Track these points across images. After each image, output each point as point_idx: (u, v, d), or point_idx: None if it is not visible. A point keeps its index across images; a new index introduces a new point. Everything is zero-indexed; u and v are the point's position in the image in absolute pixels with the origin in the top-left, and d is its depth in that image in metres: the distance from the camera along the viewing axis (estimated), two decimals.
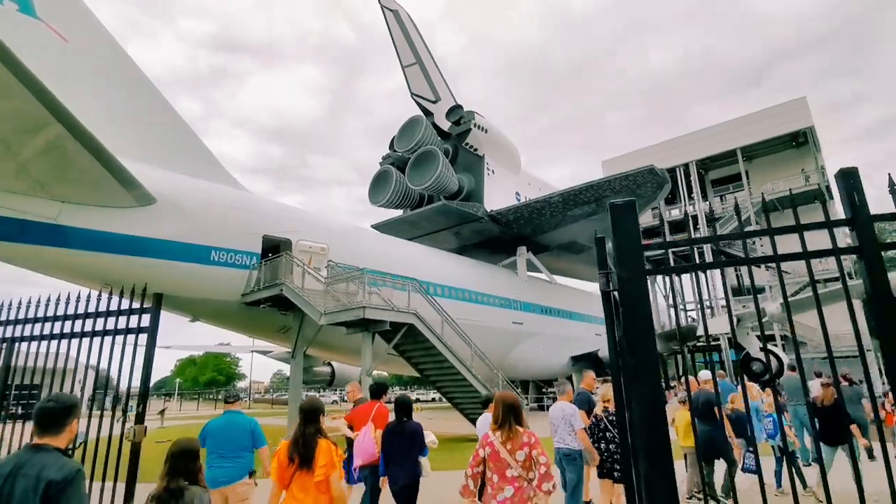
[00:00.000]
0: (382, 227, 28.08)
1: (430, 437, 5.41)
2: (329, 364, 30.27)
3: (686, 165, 39.54)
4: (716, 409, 6.34)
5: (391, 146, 30.46)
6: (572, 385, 8.26)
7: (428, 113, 29.34)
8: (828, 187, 36.01)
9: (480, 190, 28.13)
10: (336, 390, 74.67)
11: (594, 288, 43.97)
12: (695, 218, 40.08)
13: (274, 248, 17.26)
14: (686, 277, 47.54)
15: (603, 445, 5.96)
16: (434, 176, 25.60)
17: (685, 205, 41.13)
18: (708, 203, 40.81)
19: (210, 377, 78.17)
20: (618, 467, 5.67)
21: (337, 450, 3.61)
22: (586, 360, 31.82)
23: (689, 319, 47.18)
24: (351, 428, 6.46)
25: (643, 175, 24.31)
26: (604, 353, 30.03)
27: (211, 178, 17.33)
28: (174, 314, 17.64)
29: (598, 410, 6.30)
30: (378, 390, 6.67)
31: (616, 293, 2.80)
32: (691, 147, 39.69)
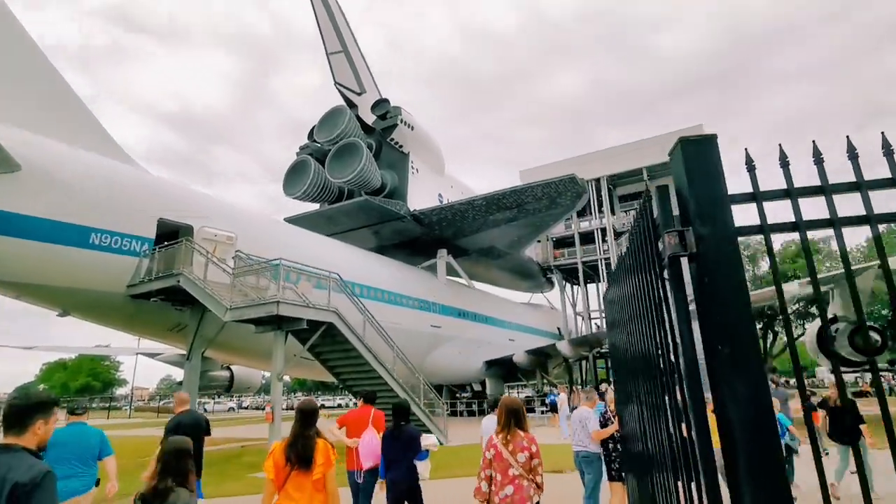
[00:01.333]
0: (297, 221, 26.18)
1: (430, 440, 5.45)
2: (228, 368, 27.61)
3: (598, 180, 41.49)
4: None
5: (310, 136, 28.67)
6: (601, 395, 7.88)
7: (352, 105, 28.01)
8: None
9: (404, 188, 27.25)
10: (234, 396, 69.52)
11: (509, 294, 44.74)
12: (603, 230, 42.26)
13: (171, 235, 15.11)
14: (592, 287, 50.03)
15: (611, 446, 6.00)
16: (357, 169, 24.31)
17: (595, 217, 43.18)
18: (615, 217, 43.06)
19: (83, 383, 69.18)
20: (615, 466, 5.90)
21: (333, 450, 3.67)
22: (501, 366, 32.00)
23: (595, 327, 49.56)
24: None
25: (565, 183, 24.85)
26: (518, 358, 30.32)
27: (98, 151, 14.84)
28: (40, 307, 14.84)
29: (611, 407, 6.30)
30: (371, 396, 7.11)
31: (685, 259, 2.06)
32: (602, 164, 41.73)
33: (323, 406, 62.16)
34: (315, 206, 28.22)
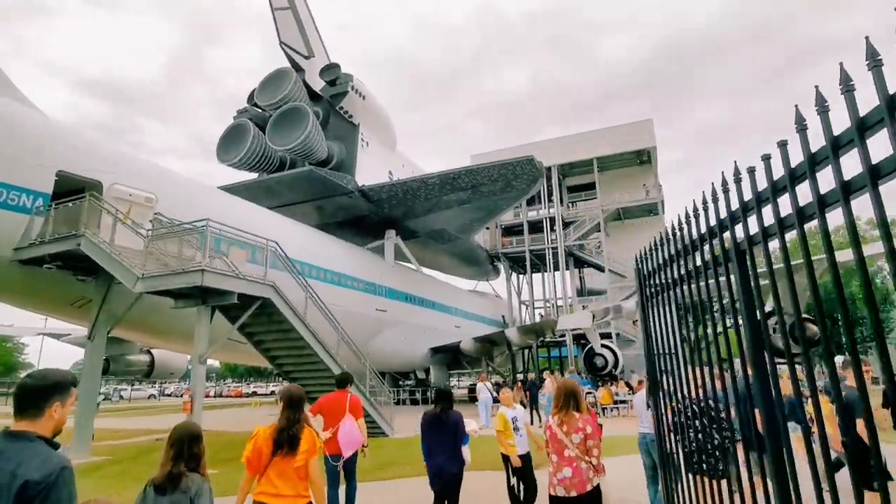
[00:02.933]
0: (233, 191, 23.70)
1: (472, 426, 5.63)
2: (148, 351, 24.87)
3: (548, 169, 41.17)
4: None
5: (250, 99, 26.12)
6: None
7: (298, 69, 25.69)
8: (662, 202, 40.31)
9: (352, 162, 25.40)
10: (155, 383, 64.61)
11: (457, 281, 43.83)
12: (552, 220, 42.15)
13: (75, 192, 12.72)
14: (537, 277, 50.13)
15: (691, 435, 5.06)
16: (301, 137, 22.21)
17: (546, 206, 42.97)
18: (564, 207, 43.04)
19: None
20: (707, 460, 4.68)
21: (318, 436, 3.67)
22: (446, 353, 31.03)
23: (539, 316, 49.77)
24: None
25: (522, 165, 23.96)
26: (465, 345, 29.45)
27: None
28: None
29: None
30: (344, 380, 6.67)
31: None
32: (553, 153, 41.37)
33: (255, 393, 59.01)
34: (253, 177, 25.78)
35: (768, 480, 2.67)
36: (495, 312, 44.77)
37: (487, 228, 43.31)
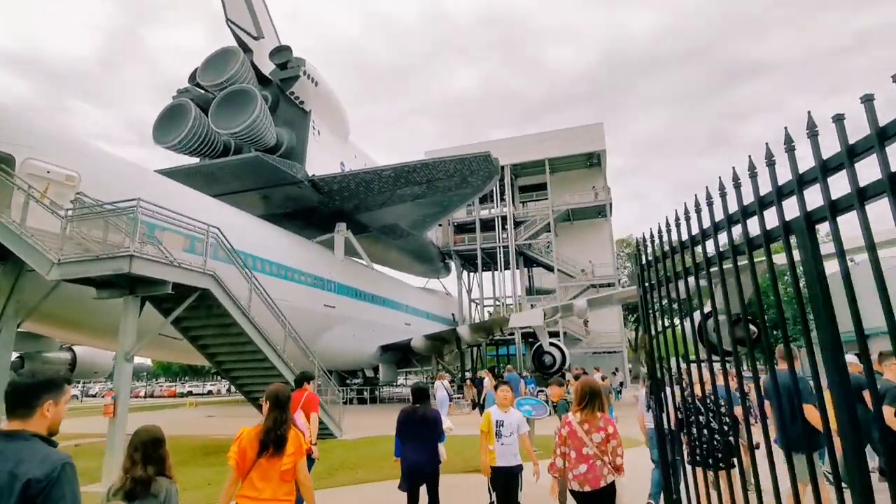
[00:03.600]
0: (171, 175, 22.00)
1: (447, 423, 5.71)
2: (70, 348, 22.68)
3: (501, 168, 41.31)
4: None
5: (192, 79, 24.39)
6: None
7: (246, 49, 24.24)
8: (610, 204, 41.37)
9: (302, 150, 24.24)
10: (79, 383, 59.81)
11: (407, 278, 43.16)
12: (503, 219, 42.33)
13: None
14: (487, 276, 50.32)
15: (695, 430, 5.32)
16: (248, 121, 20.89)
17: (498, 205, 43.09)
18: (515, 206, 43.32)
19: None
20: (718, 454, 4.85)
21: (304, 438, 3.57)
22: (396, 351, 30.38)
23: (488, 315, 49.92)
24: None
25: (479, 161, 23.70)
26: (416, 343, 28.91)
27: None
28: None
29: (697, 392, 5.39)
30: (302, 378, 6.65)
31: None
32: (506, 152, 41.52)
33: (190, 393, 55.87)
34: (194, 161, 24.08)
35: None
36: (445, 310, 44.51)
37: (440, 225, 42.96)
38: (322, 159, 25.38)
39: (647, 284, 4.03)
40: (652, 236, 3.71)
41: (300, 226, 26.98)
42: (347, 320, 25.67)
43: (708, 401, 4.70)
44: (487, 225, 43.26)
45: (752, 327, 17.69)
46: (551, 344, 27.98)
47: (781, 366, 4.87)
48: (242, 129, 21.18)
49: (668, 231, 3.29)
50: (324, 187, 24.31)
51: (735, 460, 3.84)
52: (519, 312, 34.01)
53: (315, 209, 26.37)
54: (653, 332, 4.02)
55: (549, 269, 42.21)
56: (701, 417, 5.00)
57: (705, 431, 4.77)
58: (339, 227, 27.42)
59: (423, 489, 5.14)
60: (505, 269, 42.66)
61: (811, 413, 4.29)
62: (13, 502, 1.75)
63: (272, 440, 3.35)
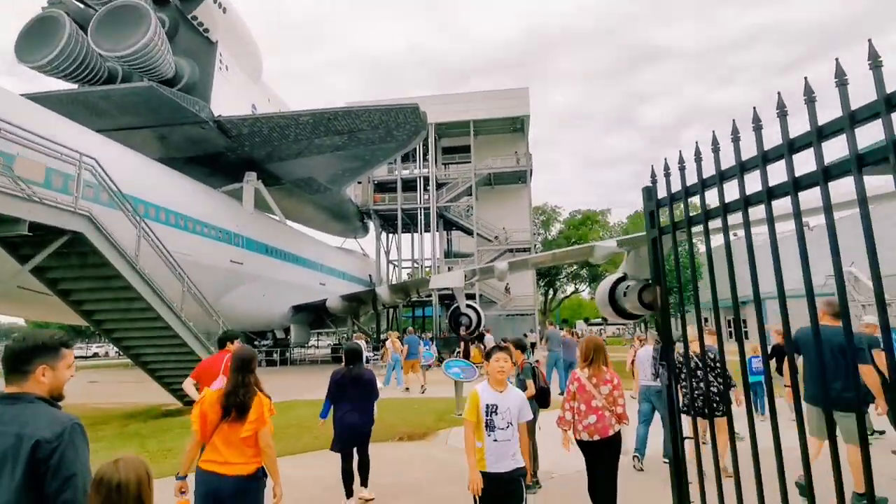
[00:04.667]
0: (42, 101, 18.45)
1: (379, 382, 5.56)
2: None
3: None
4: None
5: None
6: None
7: None
8: (531, 171, 41.81)
9: (206, 86, 21.42)
10: None
11: (323, 237, 41.13)
12: (426, 179, 41.38)
13: None
14: (405, 238, 49.51)
15: (694, 383, 5.58)
16: (139, 43, 17.85)
17: (420, 165, 41.92)
18: (437, 168, 42.45)
19: None
20: (712, 405, 5.25)
21: (270, 404, 3.35)
22: (310, 311, 28.93)
23: (407, 276, 49.36)
24: (196, 387, 5.59)
25: (405, 113, 22.37)
26: (332, 303, 27.65)
27: None
28: None
29: (694, 349, 5.80)
30: (227, 338, 5.77)
31: None
32: (430, 110, 40.23)
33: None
34: (71, 87, 20.41)
35: None
36: (362, 271, 43.24)
37: (359, 182, 41.11)
38: (230, 99, 22.68)
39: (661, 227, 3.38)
40: (669, 168, 2.98)
41: (204, 173, 24.21)
42: (257, 278, 23.76)
43: (706, 357, 4.65)
44: (408, 185, 42.12)
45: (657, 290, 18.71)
46: (468, 306, 27.98)
47: (825, 321, 4.74)
48: (132, 53, 18.10)
49: (698, 160, 2.60)
50: (231, 130, 21.79)
51: (725, 409, 4.46)
52: (440, 274, 33.74)
53: (221, 155, 23.72)
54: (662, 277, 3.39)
55: (469, 232, 42.19)
56: (699, 372, 5.50)
57: (702, 385, 4.71)
58: (248, 176, 25.01)
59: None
60: (425, 231, 42.04)
61: (868, 374, 4.46)
62: (22, 464, 1.69)
63: (233, 405, 3.18)
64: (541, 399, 5.58)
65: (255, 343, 31.82)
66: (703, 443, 5.02)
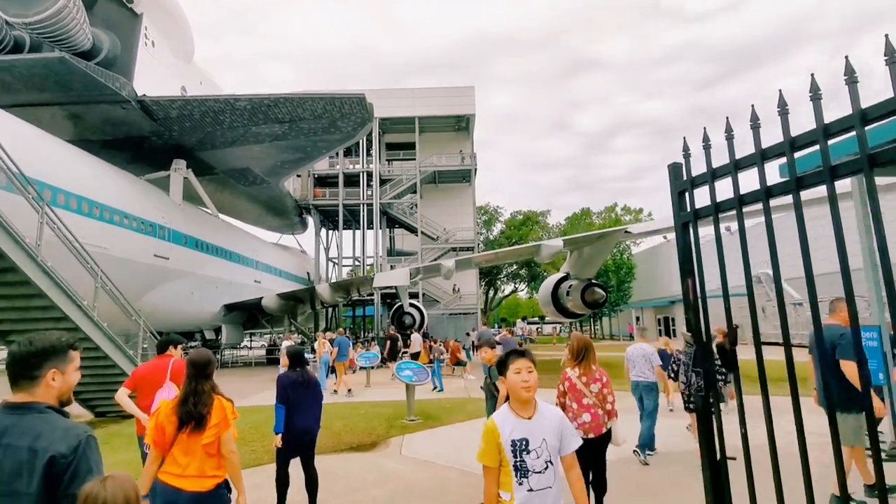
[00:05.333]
0: None
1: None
2: None
3: None
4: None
5: None
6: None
7: None
8: (475, 170, 41.79)
9: (129, 62, 19.46)
10: None
11: (257, 232, 39.04)
12: (369, 174, 40.34)
13: None
14: (346, 235, 48.10)
15: (692, 380, 6.27)
16: (52, 9, 15.85)
17: (364, 160, 40.77)
18: (381, 163, 41.52)
19: None
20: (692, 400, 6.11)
21: (232, 407, 3.17)
22: (244, 310, 27.25)
23: (346, 275, 47.98)
24: (133, 397, 4.82)
25: (352, 104, 21.42)
26: (269, 301, 26.18)
27: None
28: None
29: (679, 348, 6.96)
30: (166, 343, 5.10)
31: None
32: (375, 104, 39.30)
33: None
34: None
35: None
36: (300, 269, 41.52)
37: (298, 176, 39.47)
38: (157, 78, 20.77)
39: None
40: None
41: (125, 159, 22.07)
42: (185, 275, 21.95)
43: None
44: (351, 180, 40.90)
45: (599, 290, 18.98)
46: (411, 305, 27.43)
47: (829, 320, 4.79)
48: (42, 20, 16.04)
49: (730, 137, 2.21)
50: (158, 112, 19.93)
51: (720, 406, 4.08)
52: (385, 272, 32.91)
53: (146, 140, 21.71)
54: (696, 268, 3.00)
55: (412, 230, 41.60)
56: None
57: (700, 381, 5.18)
58: (177, 164, 23.09)
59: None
60: (368, 228, 40.97)
61: (848, 369, 4.40)
62: (38, 479, 1.64)
63: (185, 413, 3.01)
64: None
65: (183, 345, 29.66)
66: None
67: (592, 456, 4.42)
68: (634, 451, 6.49)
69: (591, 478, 4.47)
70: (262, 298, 26.07)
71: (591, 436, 4.32)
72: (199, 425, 2.99)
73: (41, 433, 1.69)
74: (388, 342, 21.48)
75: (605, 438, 4.45)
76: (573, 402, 4.46)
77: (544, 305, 21.39)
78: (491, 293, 63.60)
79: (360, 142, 41.62)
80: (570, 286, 19.11)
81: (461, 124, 42.75)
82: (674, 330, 47.96)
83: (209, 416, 3.02)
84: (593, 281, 18.97)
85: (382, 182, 40.26)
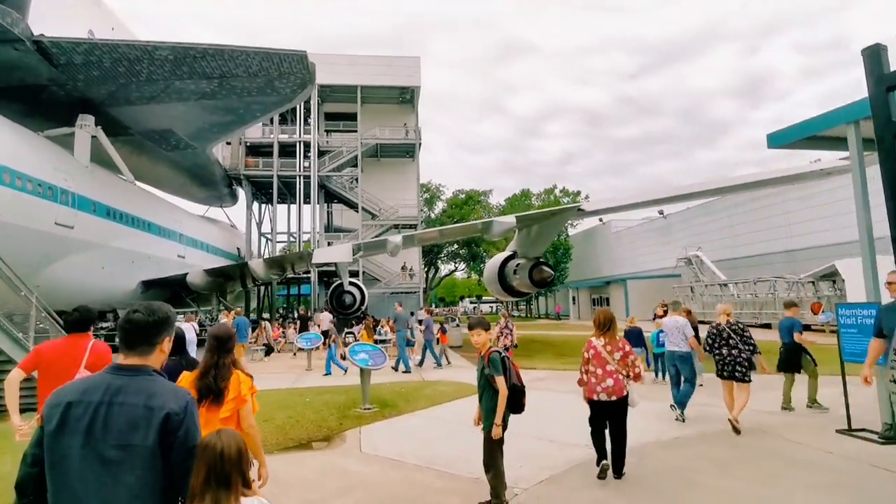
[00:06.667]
0: None
1: None
2: None
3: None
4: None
5: None
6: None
7: None
8: (420, 145, 40.46)
9: None
10: None
11: (182, 203, 35.77)
12: (307, 145, 37.96)
13: None
14: (281, 210, 45.45)
15: (725, 351, 6.75)
16: None
17: (301, 130, 38.27)
18: (320, 134, 39.19)
19: None
20: (740, 370, 6.62)
21: (251, 382, 3.19)
22: (165, 287, 24.76)
23: (281, 251, 45.40)
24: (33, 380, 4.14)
25: (291, 62, 19.41)
26: (195, 278, 23.91)
27: None
28: None
29: (720, 321, 6.96)
30: (83, 320, 4.15)
31: None
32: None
33: None
34: None
35: None
36: (230, 244, 38.68)
37: (228, 143, 36.44)
38: (57, 17, 17.75)
39: None
40: None
41: (19, 111, 18.84)
42: (93, 246, 19.35)
43: (734, 329, 6.79)
44: (286, 150, 38.31)
45: (548, 269, 18.69)
46: (351, 283, 26.11)
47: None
48: None
49: None
50: (59, 57, 17.03)
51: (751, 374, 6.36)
52: (325, 247, 31.13)
53: (44, 89, 18.63)
54: None
55: (352, 205, 39.81)
56: (731, 341, 6.70)
57: (733, 352, 6.67)
58: (83, 120, 20.12)
59: None
60: (304, 202, 38.70)
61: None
62: (154, 433, 1.79)
63: (207, 388, 3.01)
64: (513, 401, 4.26)
65: (95, 325, 26.67)
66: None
67: (615, 414, 5.04)
68: (672, 406, 7.47)
69: (612, 434, 5.06)
70: (186, 274, 23.72)
71: (613, 398, 4.95)
72: (217, 399, 2.99)
73: (154, 393, 1.86)
74: (298, 322, 20.07)
75: (625, 401, 5.03)
76: (598, 368, 5.03)
77: (490, 284, 20.83)
78: (432, 273, 63.04)
79: (297, 110, 38.99)
80: (517, 265, 18.66)
81: (405, 96, 41.12)
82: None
83: (227, 390, 3.03)
84: (541, 260, 18.60)
85: (321, 154, 38.04)
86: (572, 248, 58.34)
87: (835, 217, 29.02)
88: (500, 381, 4.13)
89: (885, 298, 5.91)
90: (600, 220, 57.44)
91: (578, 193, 59.92)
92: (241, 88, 20.36)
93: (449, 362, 15.23)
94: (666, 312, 8.77)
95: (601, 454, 5.03)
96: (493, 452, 4.15)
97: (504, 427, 4.18)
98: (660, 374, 10.89)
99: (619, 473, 4.98)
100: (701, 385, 8.59)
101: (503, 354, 4.28)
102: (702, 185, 14.35)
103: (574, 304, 56.16)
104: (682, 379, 7.50)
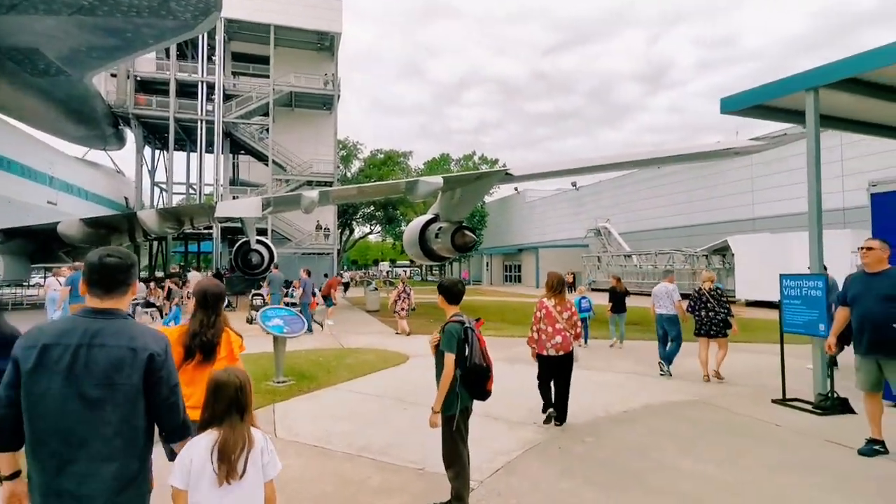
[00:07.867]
0: None
1: None
2: None
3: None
4: None
5: None
6: None
7: None
8: (339, 97, 37.89)
9: None
10: None
11: (54, 142, 30.63)
12: (210, 86, 34.02)
13: None
14: (179, 157, 40.96)
15: (704, 314, 7.72)
16: None
17: (203, 68, 34.10)
18: (226, 75, 35.25)
19: None
20: (715, 328, 7.64)
21: (241, 342, 3.11)
22: (30, 238, 21.16)
23: (178, 202, 41.03)
24: None
25: None
26: (69, 228, 20.61)
27: None
28: None
29: (704, 287, 7.87)
30: None
31: None
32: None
33: None
34: None
35: None
36: (116, 192, 34.20)
37: (114, 75, 31.62)
38: None
39: None
40: None
41: None
42: None
43: (712, 294, 7.79)
44: (185, 90, 34.10)
45: (470, 234, 18.25)
46: (258, 241, 24.04)
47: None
48: None
49: None
50: None
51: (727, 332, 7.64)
52: (231, 200, 28.31)
53: None
54: None
55: (261, 158, 36.72)
56: (709, 304, 7.67)
57: (710, 314, 7.67)
58: None
59: None
60: (205, 150, 34.93)
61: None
62: (139, 372, 1.86)
63: (198, 346, 2.90)
64: (474, 385, 3.46)
65: None
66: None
67: (561, 369, 5.53)
68: (660, 362, 8.30)
69: (558, 387, 5.58)
70: (58, 224, 20.34)
71: (561, 353, 5.45)
72: (209, 357, 2.93)
73: (134, 335, 1.90)
74: (168, 289, 17.91)
75: (570, 357, 5.53)
76: (548, 326, 5.49)
77: (409, 247, 20.00)
78: (346, 234, 60.92)
79: (200, 44, 34.76)
80: (439, 228, 17.98)
81: (324, 43, 38.05)
82: (519, 276, 51.16)
83: (219, 347, 2.97)
84: (464, 224, 18.06)
85: (227, 98, 34.36)
86: (487, 214, 58.92)
87: (728, 196, 31.47)
88: (449, 360, 3.31)
89: (832, 271, 5.79)
90: (515, 189, 58.35)
91: (496, 161, 60.29)
92: (129, 5, 17.22)
93: (322, 327, 14.56)
94: (574, 280, 10.37)
95: (548, 403, 5.55)
96: (453, 446, 3.38)
97: (463, 415, 3.42)
98: (582, 340, 11.18)
99: (561, 421, 5.49)
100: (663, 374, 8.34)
101: (467, 324, 3.45)
102: (630, 155, 14.45)
103: (487, 269, 57.16)
104: (669, 339, 8.34)
